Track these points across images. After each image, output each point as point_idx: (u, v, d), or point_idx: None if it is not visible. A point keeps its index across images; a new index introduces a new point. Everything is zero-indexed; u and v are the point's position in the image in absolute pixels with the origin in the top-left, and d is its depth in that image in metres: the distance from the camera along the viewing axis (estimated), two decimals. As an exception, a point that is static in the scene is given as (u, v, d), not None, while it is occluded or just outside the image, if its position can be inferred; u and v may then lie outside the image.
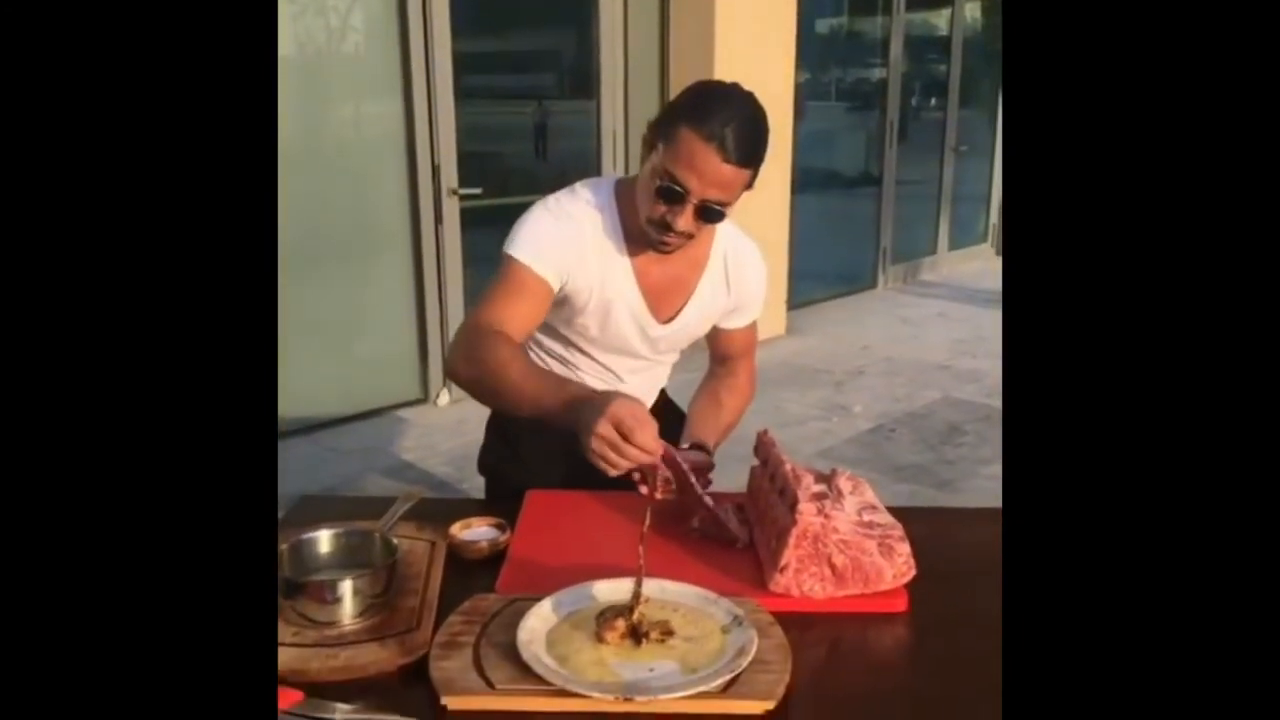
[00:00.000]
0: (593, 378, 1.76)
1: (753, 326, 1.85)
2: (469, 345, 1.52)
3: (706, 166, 1.44)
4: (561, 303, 1.64)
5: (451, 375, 1.56)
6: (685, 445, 1.62)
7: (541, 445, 1.74)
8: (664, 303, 1.69)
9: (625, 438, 1.27)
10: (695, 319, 1.73)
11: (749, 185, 1.51)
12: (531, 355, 1.79)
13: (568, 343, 1.74)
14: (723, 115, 1.43)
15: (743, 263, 1.73)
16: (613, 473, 1.31)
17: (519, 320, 1.56)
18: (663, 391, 1.93)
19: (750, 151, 1.46)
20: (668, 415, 1.89)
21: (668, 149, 1.47)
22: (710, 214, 1.50)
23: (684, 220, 1.49)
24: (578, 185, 1.65)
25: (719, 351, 1.86)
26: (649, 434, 1.28)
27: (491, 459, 1.88)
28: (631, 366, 1.78)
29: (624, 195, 1.61)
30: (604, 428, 1.27)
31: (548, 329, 1.74)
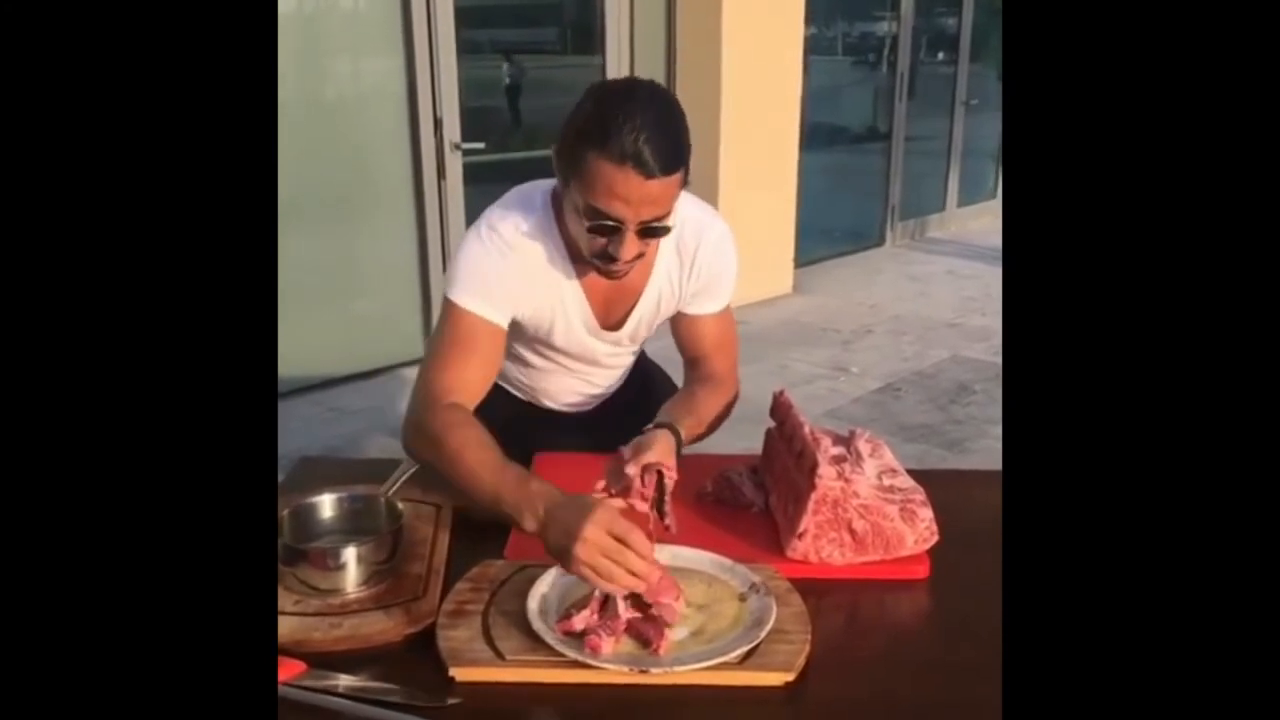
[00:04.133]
0: (557, 376, 1.69)
1: (725, 318, 1.64)
2: (424, 422, 1.36)
3: (630, 191, 1.27)
4: (517, 330, 1.53)
5: (409, 451, 1.41)
6: (649, 426, 1.44)
7: (529, 411, 1.71)
8: (613, 309, 1.57)
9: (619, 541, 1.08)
10: (649, 313, 1.59)
11: (683, 186, 1.36)
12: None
13: (532, 352, 1.64)
14: (629, 128, 1.24)
15: (696, 242, 1.53)
16: (606, 587, 1.07)
17: (473, 380, 1.43)
18: (642, 354, 1.84)
19: (672, 156, 1.28)
20: (647, 373, 1.86)
21: (582, 183, 1.30)
22: (653, 232, 1.34)
23: (628, 248, 1.33)
24: (511, 202, 1.48)
25: (690, 350, 1.65)
26: (640, 535, 1.08)
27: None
28: (595, 361, 1.68)
29: (560, 209, 1.45)
30: (594, 532, 1.07)
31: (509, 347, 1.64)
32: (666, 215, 1.34)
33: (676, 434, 1.42)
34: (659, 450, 1.33)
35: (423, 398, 1.40)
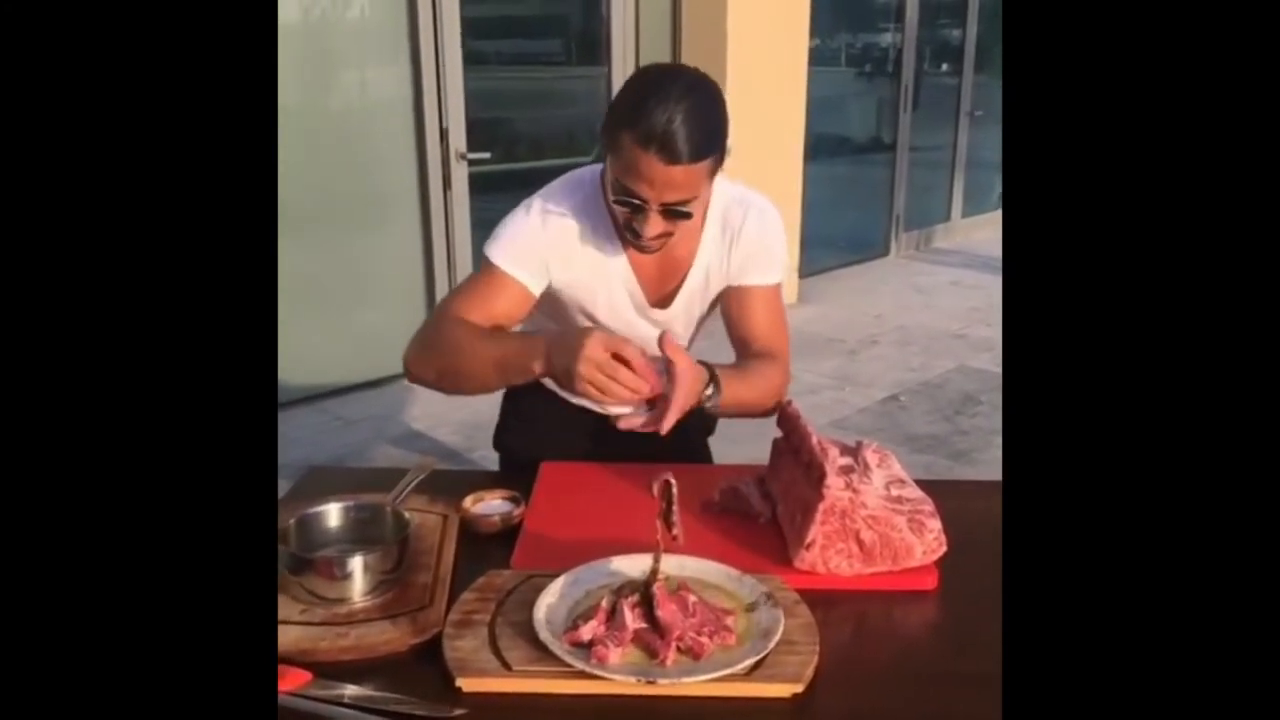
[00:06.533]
0: None
1: (775, 297, 1.61)
2: (425, 335, 1.45)
3: (654, 174, 1.31)
4: (563, 304, 1.56)
5: (410, 371, 1.46)
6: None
7: (559, 417, 1.69)
8: (663, 285, 1.60)
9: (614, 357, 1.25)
10: (699, 288, 1.61)
11: (715, 172, 1.39)
12: None
13: None
14: (661, 113, 1.27)
15: (742, 215, 1.56)
16: (607, 401, 1.27)
17: (485, 316, 1.46)
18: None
19: (701, 144, 1.30)
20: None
21: (614, 158, 1.35)
22: (676, 214, 1.38)
23: (651, 227, 1.37)
24: (558, 184, 1.54)
25: (740, 329, 1.61)
26: (636, 350, 1.26)
27: (508, 434, 1.83)
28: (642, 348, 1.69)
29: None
30: (593, 349, 1.23)
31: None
32: (691, 200, 1.37)
33: (715, 377, 1.40)
34: (686, 360, 1.33)
35: (430, 320, 1.47)
